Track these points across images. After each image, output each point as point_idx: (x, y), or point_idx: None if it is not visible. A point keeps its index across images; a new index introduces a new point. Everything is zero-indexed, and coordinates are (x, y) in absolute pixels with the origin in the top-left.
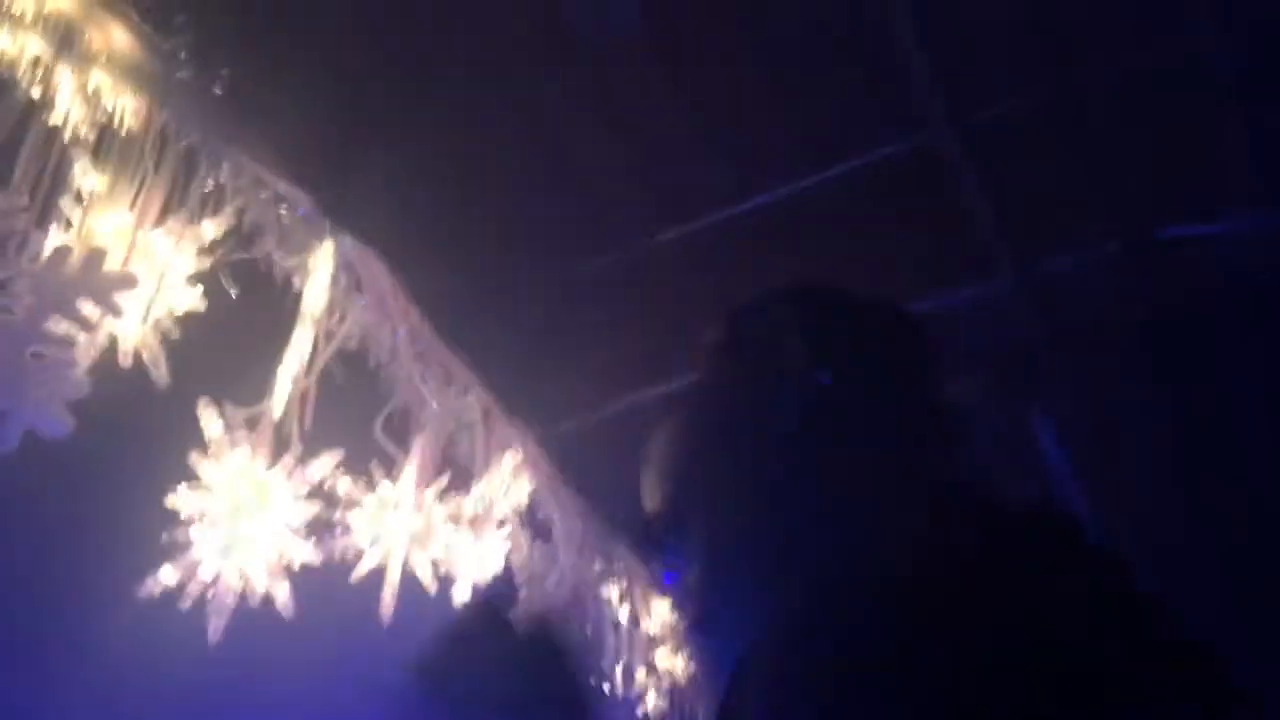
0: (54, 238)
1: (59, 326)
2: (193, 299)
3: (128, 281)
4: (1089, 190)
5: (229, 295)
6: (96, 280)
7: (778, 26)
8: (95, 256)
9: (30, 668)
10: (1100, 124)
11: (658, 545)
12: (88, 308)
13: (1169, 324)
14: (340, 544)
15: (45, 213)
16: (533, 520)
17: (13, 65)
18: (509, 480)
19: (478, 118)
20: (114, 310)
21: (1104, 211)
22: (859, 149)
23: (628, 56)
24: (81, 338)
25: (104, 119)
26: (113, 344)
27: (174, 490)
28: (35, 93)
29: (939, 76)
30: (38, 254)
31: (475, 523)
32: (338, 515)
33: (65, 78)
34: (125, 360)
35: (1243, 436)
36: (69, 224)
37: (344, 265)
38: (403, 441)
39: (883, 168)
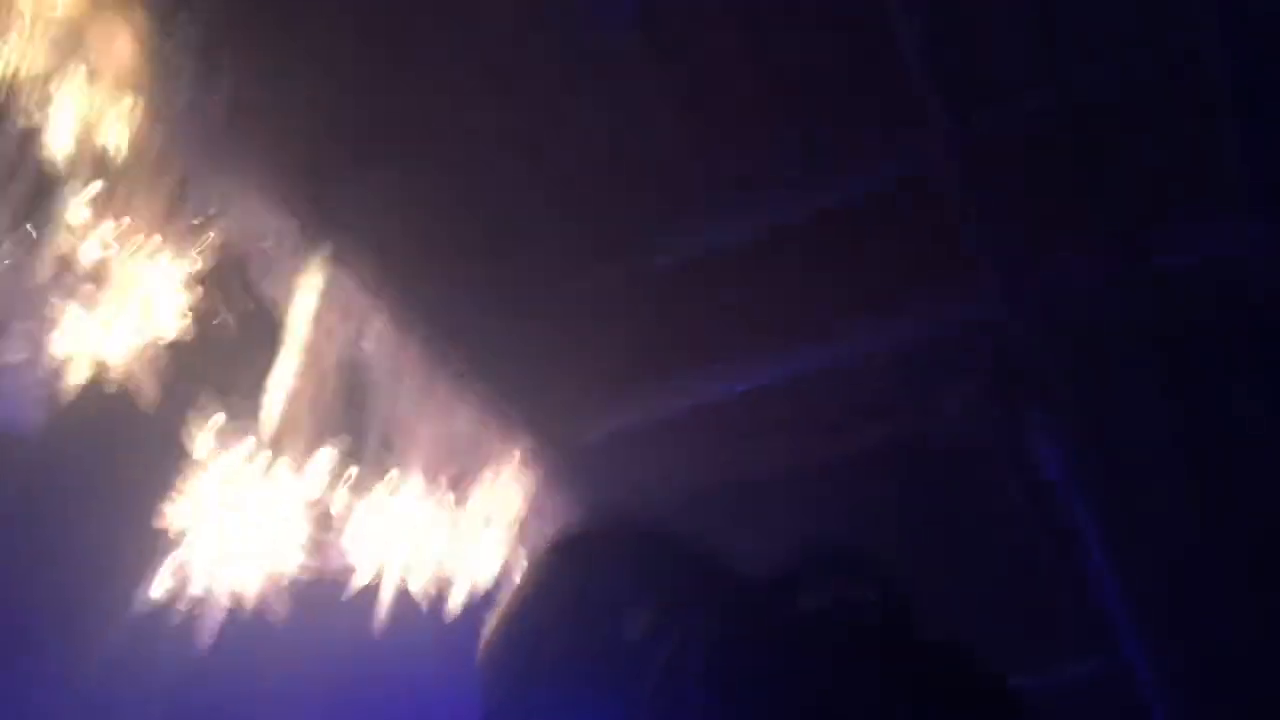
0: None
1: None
2: (182, 319)
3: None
4: (1087, 200)
5: (221, 312)
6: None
7: (776, 39)
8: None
9: (23, 679)
10: (1097, 134)
11: None
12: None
13: (1167, 334)
14: (335, 556)
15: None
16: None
17: (11, 82)
18: (505, 492)
19: (478, 131)
20: (84, 309)
21: (1102, 222)
22: (857, 162)
23: (628, 69)
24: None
25: (99, 142)
26: (102, 365)
27: (167, 503)
28: (31, 112)
29: (935, 86)
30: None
31: (471, 533)
32: (333, 527)
33: (62, 95)
34: (114, 382)
35: (1244, 446)
36: (59, 246)
37: (334, 284)
38: (399, 455)
39: (880, 182)
